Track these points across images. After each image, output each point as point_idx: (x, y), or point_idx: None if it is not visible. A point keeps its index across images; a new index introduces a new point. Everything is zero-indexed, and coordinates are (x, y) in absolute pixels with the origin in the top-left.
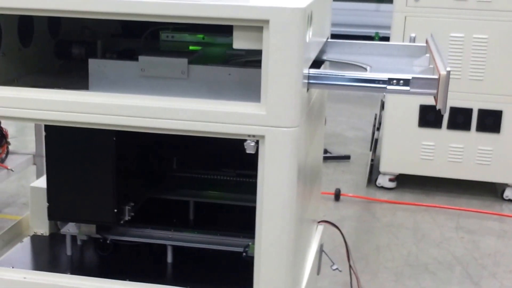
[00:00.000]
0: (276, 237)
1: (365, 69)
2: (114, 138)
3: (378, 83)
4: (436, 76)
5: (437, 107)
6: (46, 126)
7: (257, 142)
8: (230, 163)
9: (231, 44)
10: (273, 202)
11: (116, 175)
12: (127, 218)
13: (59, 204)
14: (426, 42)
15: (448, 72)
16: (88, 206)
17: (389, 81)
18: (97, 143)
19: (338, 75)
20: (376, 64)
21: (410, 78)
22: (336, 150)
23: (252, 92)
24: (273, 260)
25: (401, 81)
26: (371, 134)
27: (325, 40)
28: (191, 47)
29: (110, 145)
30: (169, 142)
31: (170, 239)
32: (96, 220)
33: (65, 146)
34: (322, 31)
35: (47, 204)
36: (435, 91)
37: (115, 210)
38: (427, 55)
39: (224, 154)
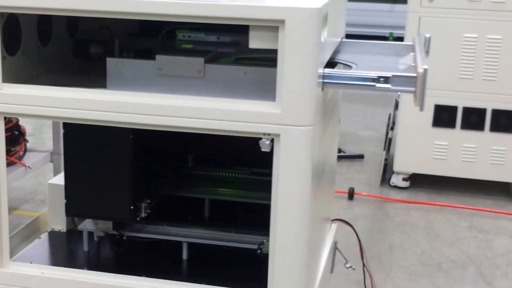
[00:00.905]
0: (291, 235)
1: (350, 67)
2: (131, 136)
3: (364, 81)
4: (414, 74)
5: (415, 105)
6: (64, 124)
7: (272, 141)
8: (245, 161)
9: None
10: (288, 200)
11: (133, 173)
12: (143, 215)
13: (77, 201)
14: (413, 41)
15: (425, 70)
16: (105, 203)
17: (371, 79)
18: (114, 141)
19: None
20: (363, 62)
21: (390, 76)
22: (350, 149)
23: (267, 91)
24: (288, 257)
25: (381, 79)
26: (385, 134)
27: (339, 40)
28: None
29: (127, 143)
30: (184, 140)
31: (186, 236)
32: (112, 217)
33: (83, 144)
34: (337, 31)
35: (65, 200)
36: (413, 88)
37: (132, 207)
38: (412, 53)
39: (239, 152)
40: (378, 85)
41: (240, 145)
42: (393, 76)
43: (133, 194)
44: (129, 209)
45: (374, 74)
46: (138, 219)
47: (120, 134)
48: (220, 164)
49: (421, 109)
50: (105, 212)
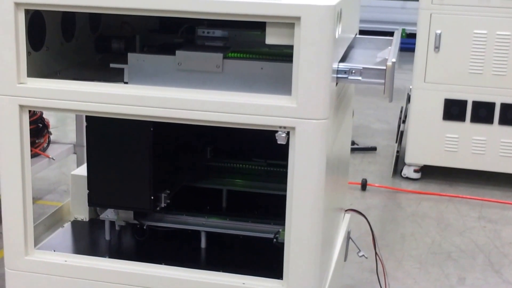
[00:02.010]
0: (306, 224)
1: None
2: (152, 129)
3: (338, 73)
4: (383, 67)
5: (384, 96)
6: (87, 117)
7: (288, 133)
8: (261, 153)
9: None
10: (303, 191)
11: (153, 164)
12: (163, 205)
13: (99, 191)
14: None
15: (393, 63)
16: (126, 193)
17: (344, 71)
18: (135, 133)
19: None
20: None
21: (361, 68)
22: (363, 142)
23: (283, 85)
24: (303, 246)
25: (353, 71)
26: (397, 127)
27: (353, 36)
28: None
29: (148, 135)
30: (203, 133)
31: (204, 225)
32: (133, 206)
33: (105, 136)
34: (350, 28)
35: (88, 191)
36: (383, 80)
37: (152, 197)
38: (390, 47)
39: (256, 145)
40: (350, 77)
41: (256, 138)
42: (364, 68)
43: (153, 185)
44: (150, 199)
45: (346, 66)
46: (158, 209)
47: (141, 126)
48: (237, 156)
49: (390, 100)
50: (126, 202)
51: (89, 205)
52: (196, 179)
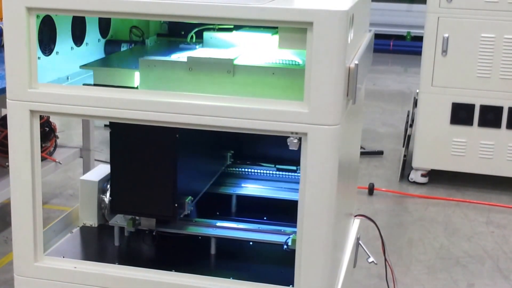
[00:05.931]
0: (317, 231)
1: None
2: (177, 136)
3: None
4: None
5: (348, 98)
6: (111, 123)
7: (299, 139)
8: (271, 158)
9: None
10: (315, 196)
11: (177, 171)
12: (186, 212)
13: (122, 198)
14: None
15: (356, 65)
16: (150, 201)
17: None
18: (161, 140)
19: None
20: None
21: None
22: (369, 146)
23: (295, 90)
24: (315, 252)
25: None
26: (404, 131)
27: (364, 38)
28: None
29: (174, 142)
30: (223, 139)
31: (214, 231)
32: (156, 214)
33: (129, 143)
34: (362, 30)
35: (110, 198)
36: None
37: (175, 205)
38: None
39: (265, 150)
40: None
41: (267, 143)
42: None
43: (177, 192)
44: (173, 207)
45: None
46: (181, 216)
47: (167, 133)
48: (247, 161)
49: (354, 102)
50: (150, 210)
51: (111, 212)
52: (217, 185)
